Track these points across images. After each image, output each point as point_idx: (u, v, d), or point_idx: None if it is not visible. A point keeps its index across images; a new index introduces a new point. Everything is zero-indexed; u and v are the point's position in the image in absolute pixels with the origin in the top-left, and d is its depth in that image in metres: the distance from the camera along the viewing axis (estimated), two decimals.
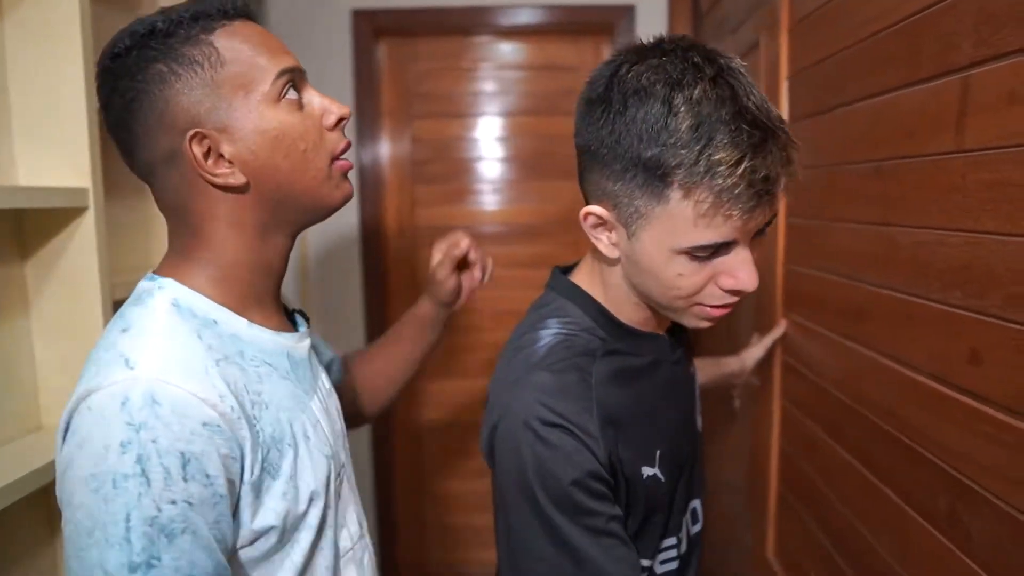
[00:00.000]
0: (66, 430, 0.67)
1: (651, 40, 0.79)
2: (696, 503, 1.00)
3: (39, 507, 1.27)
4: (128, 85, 0.72)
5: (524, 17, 2.47)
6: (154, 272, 0.78)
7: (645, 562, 0.88)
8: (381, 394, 1.22)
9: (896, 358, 0.96)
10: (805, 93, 1.29)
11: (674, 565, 0.93)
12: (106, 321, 1.22)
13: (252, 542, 0.72)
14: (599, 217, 0.82)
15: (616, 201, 0.79)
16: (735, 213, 0.73)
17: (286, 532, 0.74)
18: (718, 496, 2.06)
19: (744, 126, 0.71)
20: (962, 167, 0.81)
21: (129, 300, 0.76)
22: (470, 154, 2.63)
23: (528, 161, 2.58)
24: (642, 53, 0.77)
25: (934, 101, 0.87)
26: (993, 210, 0.76)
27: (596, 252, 0.87)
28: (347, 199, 0.83)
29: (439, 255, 1.18)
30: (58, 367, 1.27)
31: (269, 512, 0.72)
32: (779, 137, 0.74)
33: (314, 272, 2.51)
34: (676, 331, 0.98)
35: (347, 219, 2.51)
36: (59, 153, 1.20)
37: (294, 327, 0.87)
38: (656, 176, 0.74)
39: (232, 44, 0.74)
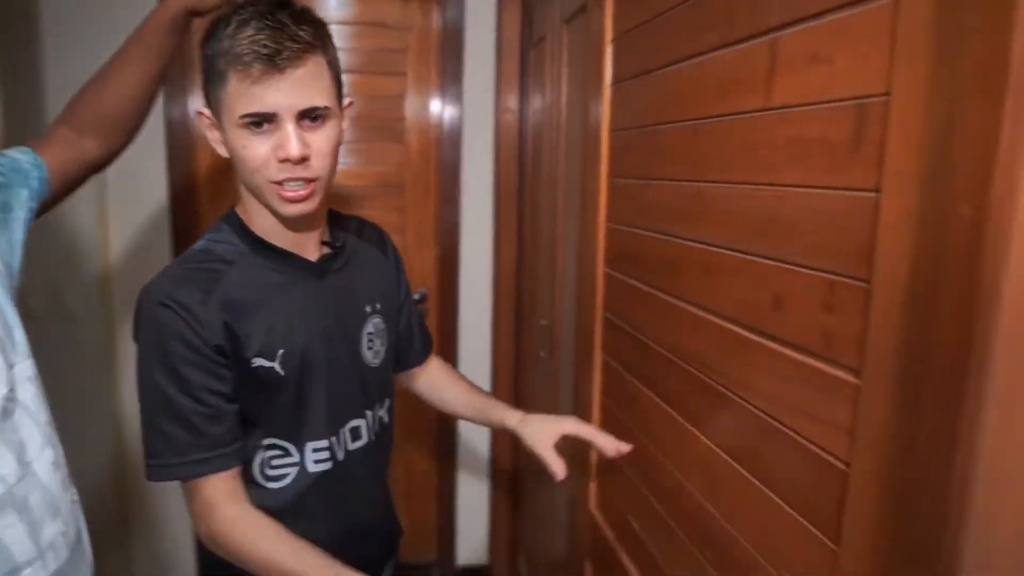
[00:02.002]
0: None
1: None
2: (359, 423, 1.19)
3: None
4: None
5: None
6: None
7: (285, 444, 1.10)
8: (116, 135, 1.21)
9: (708, 308, 1.01)
10: (629, 56, 1.32)
11: (328, 466, 1.14)
12: None
13: None
14: (207, 116, 1.06)
15: (210, 100, 1.04)
16: (257, 80, 0.96)
17: None
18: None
19: (265, 20, 0.96)
20: (768, 124, 0.86)
21: None
22: None
23: (352, 121, 2.48)
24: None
25: (745, 62, 0.91)
26: (795, 164, 0.81)
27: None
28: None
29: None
30: None
31: None
32: (288, 28, 0.97)
33: (118, 244, 2.27)
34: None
35: (153, 179, 2.28)
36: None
37: None
38: (217, 68, 0.99)
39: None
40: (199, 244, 1.10)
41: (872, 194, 0.68)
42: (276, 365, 1.07)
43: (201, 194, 2.39)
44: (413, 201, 2.59)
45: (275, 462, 1.11)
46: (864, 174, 0.69)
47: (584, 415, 1.55)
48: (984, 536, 0.55)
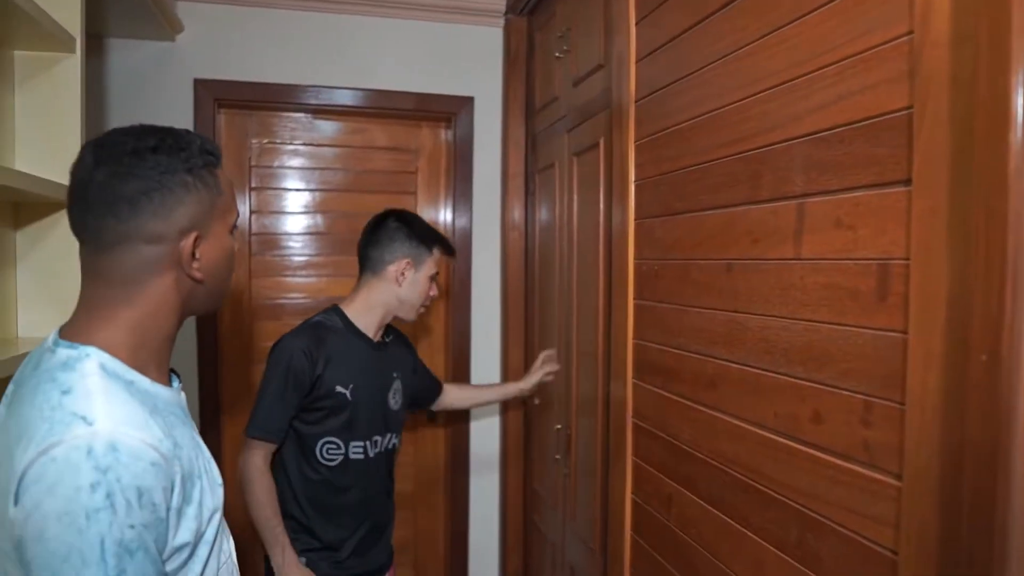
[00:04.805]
0: (20, 481, 0.80)
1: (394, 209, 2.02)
2: (379, 438, 1.92)
3: None
4: (153, 176, 0.91)
5: (369, 100, 2.60)
6: (66, 337, 0.93)
7: (338, 440, 1.84)
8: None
9: (748, 420, 1.19)
10: (653, 197, 1.54)
11: (361, 456, 1.87)
12: None
13: (169, 557, 0.89)
14: (410, 264, 1.90)
15: (411, 257, 1.90)
16: (442, 259, 1.98)
17: (193, 547, 0.93)
18: (563, 548, 2.22)
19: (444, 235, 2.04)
20: (801, 271, 1.06)
21: (54, 366, 0.89)
22: (313, 229, 2.67)
23: None
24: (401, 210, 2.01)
25: (774, 218, 1.12)
26: (827, 305, 1.01)
27: (369, 292, 1.92)
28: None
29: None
30: None
31: (185, 531, 0.90)
32: (449, 241, 2.03)
33: None
34: (393, 350, 2.05)
35: None
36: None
37: (170, 383, 1.03)
38: (426, 246, 1.92)
39: (224, 182, 1.01)
40: (317, 318, 1.89)
41: (900, 335, 0.87)
42: (348, 392, 1.83)
43: (224, 305, 2.54)
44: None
45: (329, 449, 1.83)
46: (891, 319, 0.89)
47: (616, 511, 1.69)
48: None
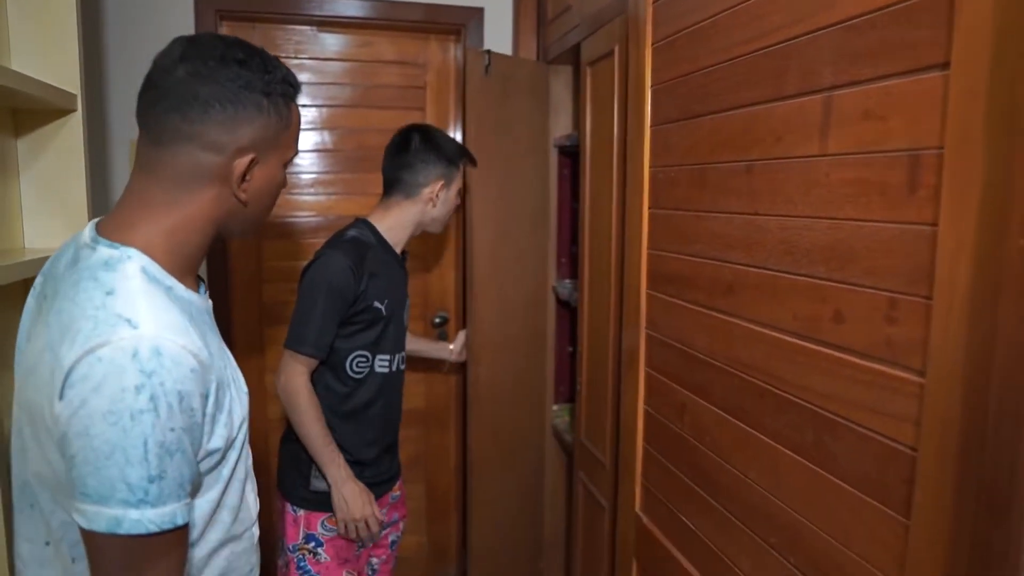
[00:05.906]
0: (66, 378, 0.81)
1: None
2: (401, 354, 1.98)
3: None
4: (231, 88, 0.93)
5: (376, 11, 2.51)
6: (105, 234, 0.93)
7: (367, 353, 1.86)
8: None
9: (764, 323, 1.17)
10: (670, 101, 1.49)
11: (385, 369, 1.91)
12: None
13: (201, 460, 0.92)
14: (443, 185, 1.94)
15: (444, 177, 1.94)
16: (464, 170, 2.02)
17: (224, 452, 0.97)
18: (580, 462, 2.25)
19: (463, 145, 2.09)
20: (826, 167, 1.02)
21: (95, 264, 0.89)
22: (320, 146, 2.62)
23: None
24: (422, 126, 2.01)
25: (800, 114, 1.08)
26: (852, 201, 0.97)
27: (402, 212, 1.94)
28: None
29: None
30: None
31: (217, 437, 0.94)
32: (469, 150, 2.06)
33: None
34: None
35: None
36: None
37: (197, 290, 1.04)
38: (455, 164, 1.96)
39: (295, 116, 1.04)
40: (353, 233, 1.88)
41: (929, 227, 0.84)
42: (383, 307, 1.86)
43: None
44: None
45: (359, 363, 1.86)
46: (920, 212, 0.86)
47: (628, 423, 1.70)
48: None
